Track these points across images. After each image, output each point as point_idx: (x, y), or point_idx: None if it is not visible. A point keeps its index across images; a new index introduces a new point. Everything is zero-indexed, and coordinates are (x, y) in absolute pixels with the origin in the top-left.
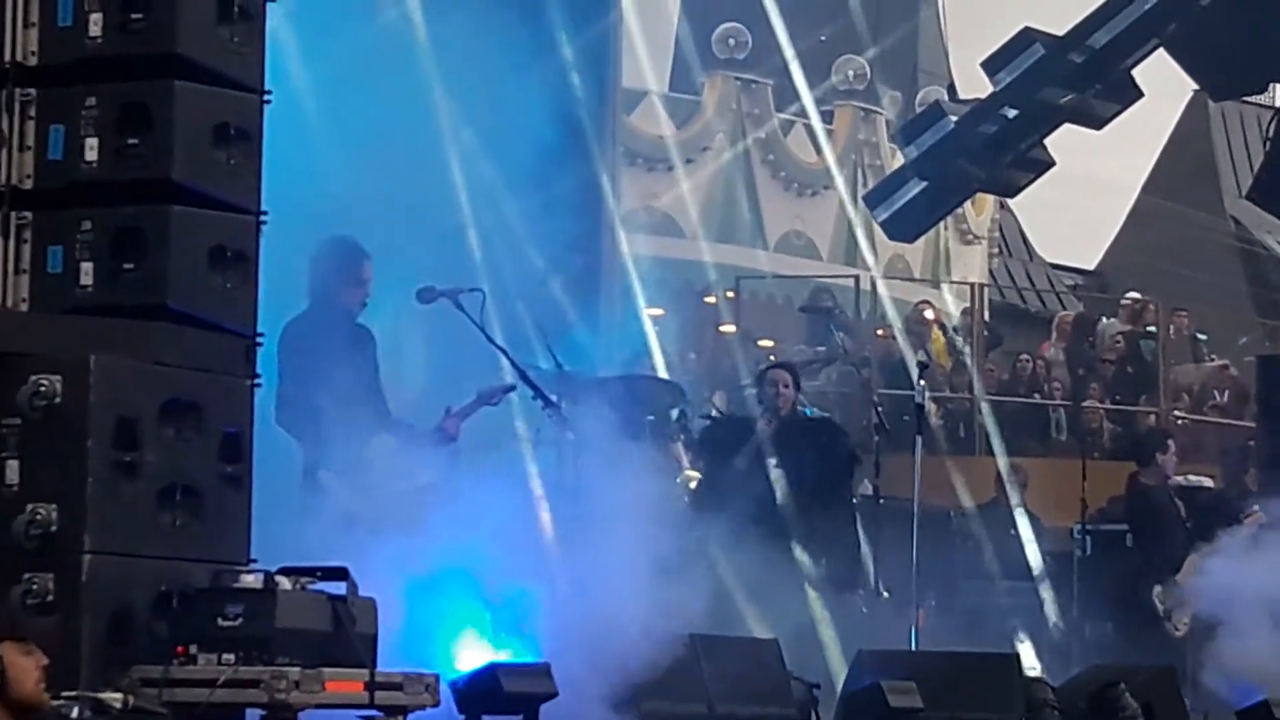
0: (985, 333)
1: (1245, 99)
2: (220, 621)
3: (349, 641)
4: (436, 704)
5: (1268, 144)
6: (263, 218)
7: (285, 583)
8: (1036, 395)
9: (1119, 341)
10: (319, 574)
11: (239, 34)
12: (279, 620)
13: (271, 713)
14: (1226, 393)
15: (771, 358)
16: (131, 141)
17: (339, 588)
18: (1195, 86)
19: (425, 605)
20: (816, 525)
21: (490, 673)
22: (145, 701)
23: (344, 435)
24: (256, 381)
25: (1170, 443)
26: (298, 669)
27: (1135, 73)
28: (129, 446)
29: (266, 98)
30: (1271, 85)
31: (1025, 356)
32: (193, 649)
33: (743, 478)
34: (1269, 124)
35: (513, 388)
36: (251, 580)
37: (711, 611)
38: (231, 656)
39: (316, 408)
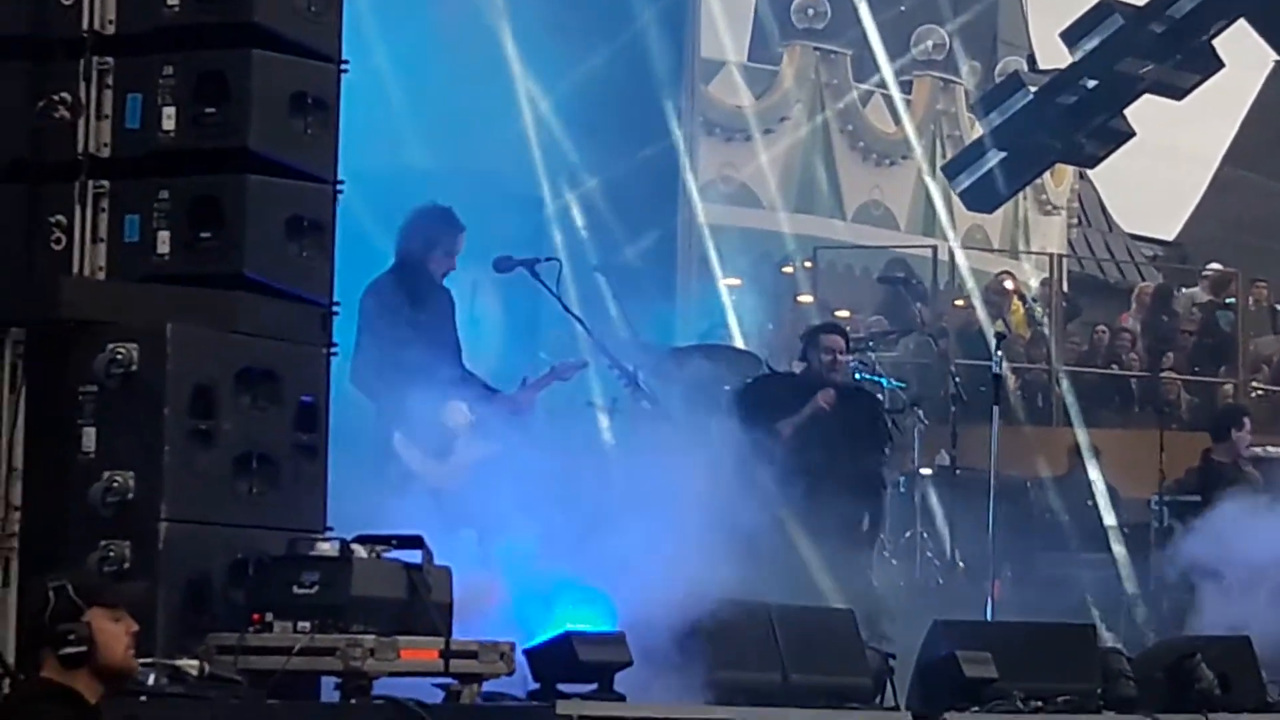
0: (1064, 303)
1: None
2: (295, 589)
3: (424, 610)
4: (511, 672)
5: None
6: (339, 187)
7: (361, 551)
8: (1114, 366)
9: (1197, 312)
10: (394, 542)
11: (316, 3)
12: (354, 588)
13: (346, 680)
14: None
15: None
16: (209, 110)
17: (415, 556)
18: (1276, 57)
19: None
20: (831, 496)
21: (565, 641)
22: (221, 669)
23: (420, 397)
24: (333, 350)
25: (1246, 419)
26: (373, 637)
27: (1216, 43)
28: (205, 415)
29: (344, 67)
30: None
31: (1102, 327)
32: (268, 617)
33: (784, 442)
34: None
35: (586, 364)
36: (327, 548)
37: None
38: (307, 624)
39: (394, 367)
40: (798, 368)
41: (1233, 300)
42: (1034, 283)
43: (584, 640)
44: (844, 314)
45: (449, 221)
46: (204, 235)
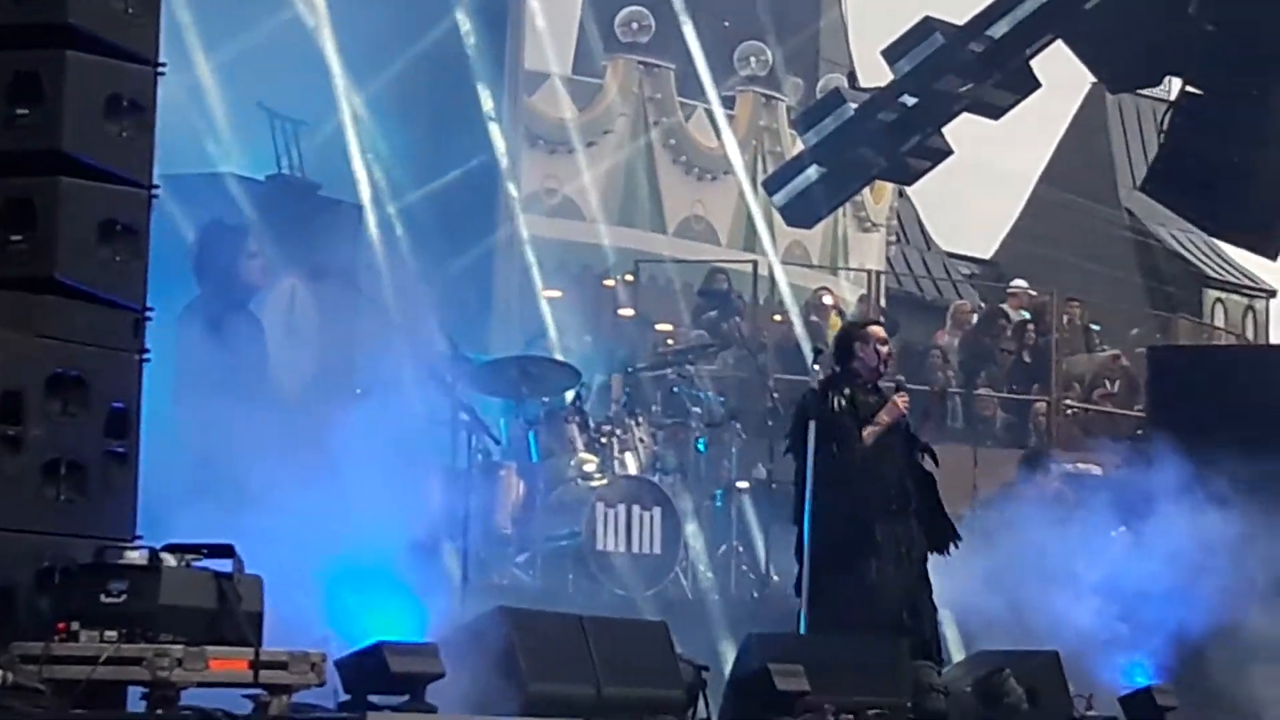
0: (882, 319)
1: (1141, 92)
2: (103, 598)
3: (234, 619)
4: (322, 683)
5: (1162, 137)
6: (154, 191)
7: (170, 559)
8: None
9: (1015, 331)
10: (204, 551)
11: (133, 5)
12: (163, 597)
13: (154, 691)
14: (1118, 382)
15: (670, 342)
16: (21, 112)
17: (225, 565)
18: (1093, 79)
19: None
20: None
21: (376, 651)
22: (24, 678)
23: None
24: (145, 356)
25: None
26: (181, 647)
27: (1034, 64)
28: (13, 420)
29: (161, 70)
30: (1167, 78)
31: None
32: (74, 625)
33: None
34: (1163, 117)
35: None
36: (135, 556)
37: None
38: (114, 634)
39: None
40: (822, 373)
41: (1048, 319)
42: (853, 299)
43: (395, 651)
44: (665, 327)
45: (230, 228)
46: (15, 238)
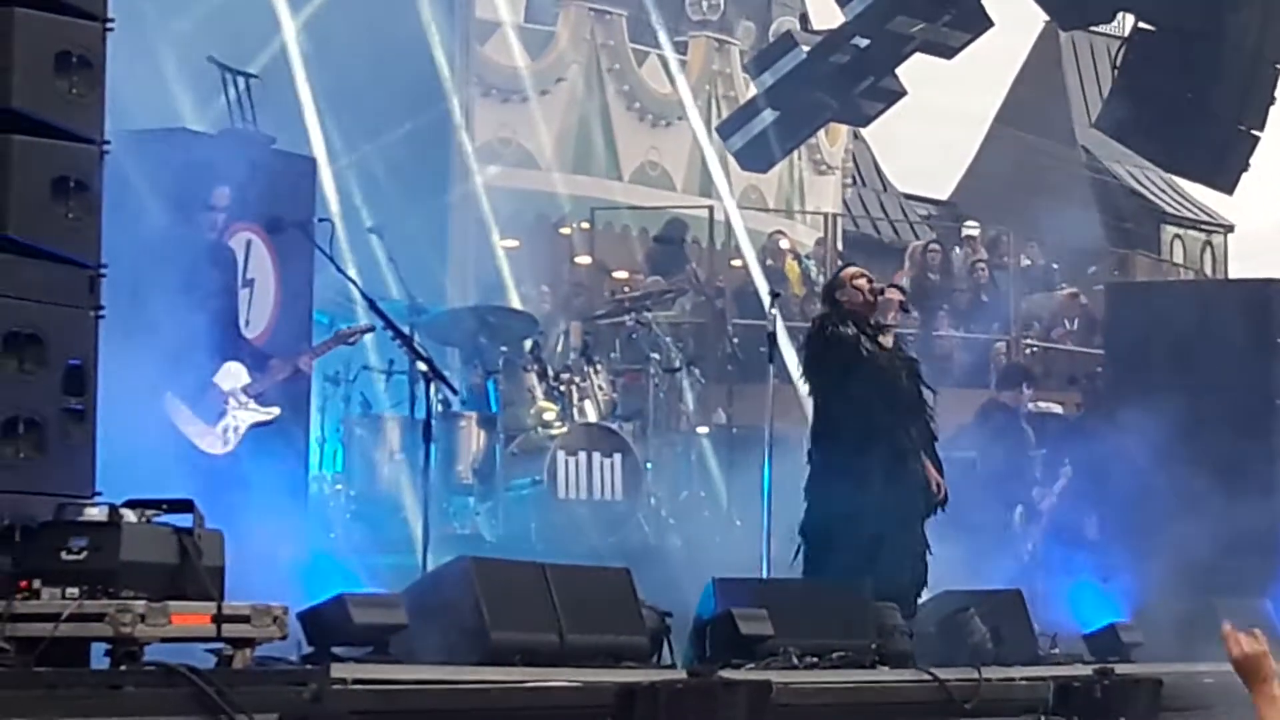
0: (839, 262)
1: (1094, 29)
2: (64, 555)
3: (196, 574)
4: (284, 636)
5: (1116, 73)
6: (106, 147)
7: (130, 515)
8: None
9: (974, 271)
10: (165, 506)
11: None
12: (124, 553)
13: (117, 646)
14: (1076, 321)
15: (627, 289)
16: None
17: (186, 520)
18: (1045, 17)
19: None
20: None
21: (339, 603)
22: None
23: (196, 359)
24: (100, 313)
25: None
26: (143, 602)
27: (986, 2)
28: None
29: (110, 25)
30: (1119, 14)
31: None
32: (36, 583)
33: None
34: (1116, 53)
35: (371, 329)
36: (95, 513)
37: None
38: (76, 590)
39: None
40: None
41: (1006, 258)
42: (809, 242)
43: (358, 603)
44: (621, 275)
45: (200, 178)
46: None
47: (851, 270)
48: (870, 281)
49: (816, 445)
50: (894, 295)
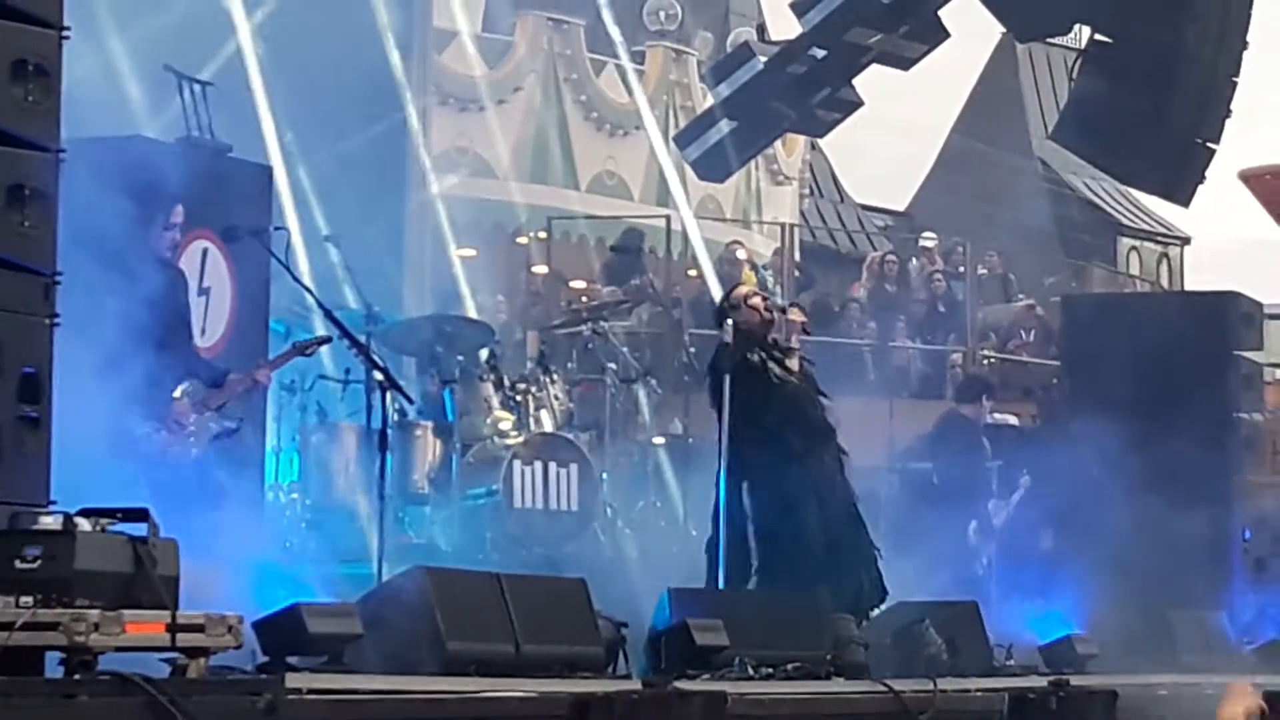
0: (797, 273)
1: (1051, 41)
2: (18, 564)
3: (150, 583)
4: (239, 645)
5: (1072, 85)
6: (61, 155)
7: (85, 524)
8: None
9: (930, 281)
10: (120, 515)
11: None
12: (78, 562)
13: (71, 655)
14: (1033, 332)
15: (585, 298)
16: None
17: (141, 529)
18: (1002, 28)
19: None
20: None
21: (294, 613)
22: None
23: (153, 381)
24: (55, 320)
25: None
26: (97, 611)
27: (942, 14)
28: None
29: (65, 33)
30: (1076, 26)
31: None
32: None
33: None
34: (1073, 65)
35: (328, 340)
36: (50, 522)
37: None
38: (30, 599)
39: (126, 350)
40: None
41: (962, 269)
42: (766, 252)
43: (313, 612)
44: (579, 284)
45: (158, 196)
46: None
47: (745, 289)
48: (764, 300)
49: (729, 472)
50: (796, 316)
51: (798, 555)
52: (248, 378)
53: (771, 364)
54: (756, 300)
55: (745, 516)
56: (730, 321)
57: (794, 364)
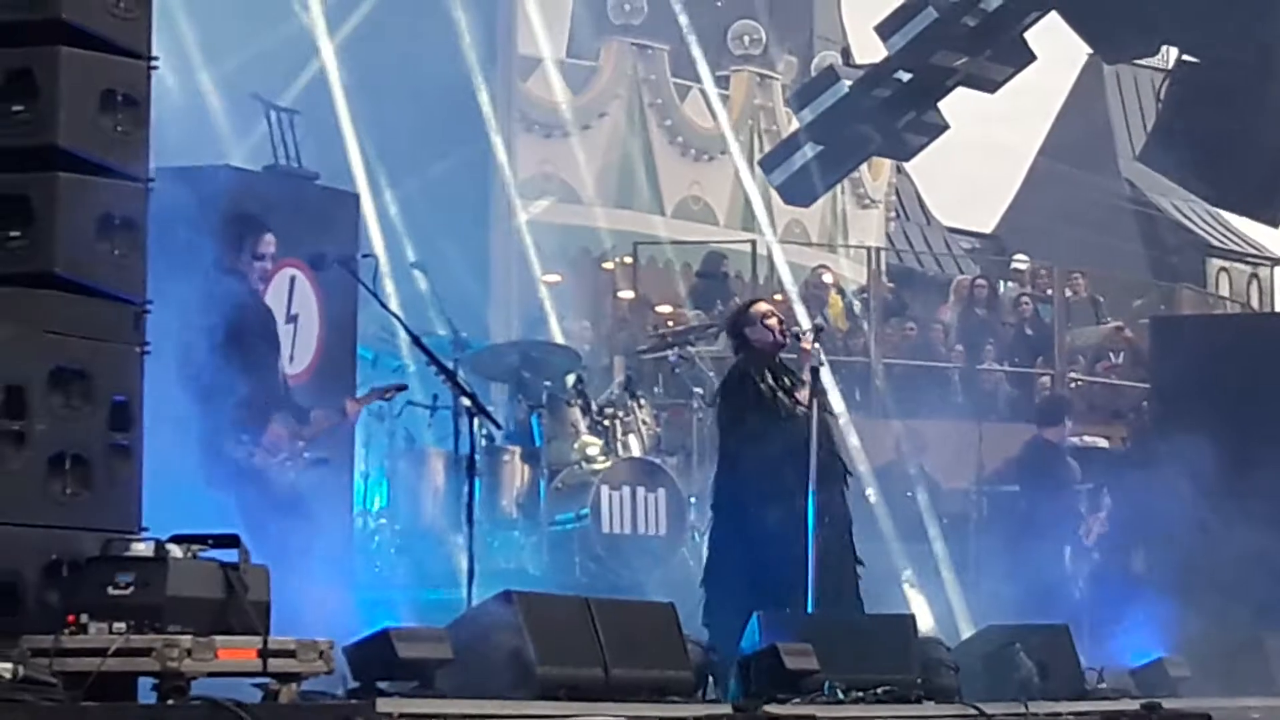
0: (887, 296)
1: (1138, 62)
2: (111, 590)
3: (241, 609)
4: (330, 671)
5: (1159, 106)
6: (150, 184)
7: (176, 550)
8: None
9: (1019, 305)
10: (210, 542)
11: (125, 0)
12: (170, 588)
13: (164, 681)
14: (1121, 354)
15: (670, 323)
16: (16, 108)
17: (232, 555)
18: (1089, 50)
19: None
20: None
21: (384, 638)
22: (35, 671)
23: (247, 404)
24: (146, 349)
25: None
26: (189, 637)
27: (1028, 36)
28: (17, 415)
29: (154, 64)
30: (1163, 47)
31: (911, 326)
32: (83, 618)
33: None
34: (1160, 86)
35: (404, 387)
36: (142, 548)
37: None
38: (123, 625)
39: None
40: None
41: (1050, 292)
42: (852, 276)
43: (403, 637)
44: (664, 309)
45: (250, 225)
46: (13, 235)
47: (764, 307)
48: (781, 322)
49: (718, 503)
50: (808, 346)
51: (779, 586)
52: (335, 413)
53: (781, 394)
54: (773, 321)
55: (732, 545)
56: (744, 332)
57: (803, 395)
